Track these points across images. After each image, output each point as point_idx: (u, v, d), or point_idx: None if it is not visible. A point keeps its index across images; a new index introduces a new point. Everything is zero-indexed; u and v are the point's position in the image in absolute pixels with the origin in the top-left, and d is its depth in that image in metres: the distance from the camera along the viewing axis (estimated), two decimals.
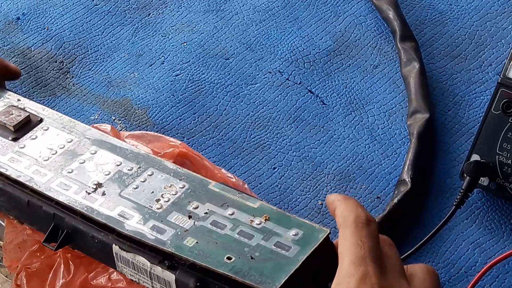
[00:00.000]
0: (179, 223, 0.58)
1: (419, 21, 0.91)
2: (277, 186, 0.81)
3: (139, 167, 0.63)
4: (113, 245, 0.59)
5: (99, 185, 0.62)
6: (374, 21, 0.92)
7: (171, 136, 0.85)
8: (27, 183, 0.63)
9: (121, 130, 0.86)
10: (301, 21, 0.93)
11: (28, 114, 0.68)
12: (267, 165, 0.82)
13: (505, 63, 0.74)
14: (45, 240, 0.62)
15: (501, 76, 0.74)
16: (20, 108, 0.69)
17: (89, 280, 0.69)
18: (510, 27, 0.89)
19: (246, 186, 0.74)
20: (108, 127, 0.77)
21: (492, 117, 0.74)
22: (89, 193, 0.61)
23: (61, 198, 0.61)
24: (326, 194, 0.80)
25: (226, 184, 0.62)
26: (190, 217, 0.58)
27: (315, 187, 0.80)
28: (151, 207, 0.60)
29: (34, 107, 0.70)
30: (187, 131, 0.86)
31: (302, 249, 0.55)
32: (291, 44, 0.91)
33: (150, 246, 0.57)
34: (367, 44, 0.90)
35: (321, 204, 0.79)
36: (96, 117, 0.88)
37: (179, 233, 0.57)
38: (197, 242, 0.56)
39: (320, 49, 0.90)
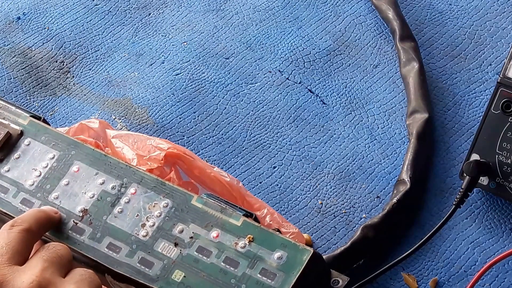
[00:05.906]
0: (166, 252, 0.59)
1: (418, 21, 0.91)
2: (277, 185, 0.81)
3: (122, 184, 0.63)
4: (106, 274, 0.60)
5: (85, 211, 0.62)
6: (374, 20, 0.92)
7: (171, 135, 0.85)
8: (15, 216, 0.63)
9: (121, 129, 0.86)
10: (301, 20, 0.93)
11: (7, 130, 0.67)
12: (267, 164, 0.83)
13: (504, 63, 0.74)
14: None
15: (500, 76, 0.74)
16: None
17: None
18: (510, 27, 0.89)
19: (240, 184, 0.74)
20: (96, 122, 0.77)
21: (491, 117, 0.75)
22: (76, 223, 0.62)
23: (50, 232, 0.62)
24: (326, 194, 0.80)
25: (210, 195, 0.62)
26: (176, 244, 0.59)
27: (315, 187, 0.80)
28: (137, 234, 0.60)
29: (12, 115, 0.68)
30: (187, 130, 0.86)
31: (287, 277, 0.56)
32: (291, 43, 0.91)
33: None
34: (367, 43, 0.90)
35: (321, 203, 0.79)
36: (97, 117, 0.88)
37: (166, 266, 0.59)
38: (185, 276, 0.58)
39: (320, 49, 0.90)
